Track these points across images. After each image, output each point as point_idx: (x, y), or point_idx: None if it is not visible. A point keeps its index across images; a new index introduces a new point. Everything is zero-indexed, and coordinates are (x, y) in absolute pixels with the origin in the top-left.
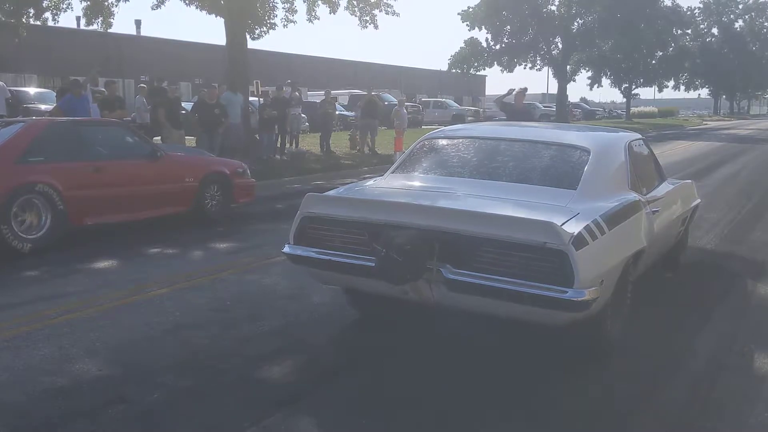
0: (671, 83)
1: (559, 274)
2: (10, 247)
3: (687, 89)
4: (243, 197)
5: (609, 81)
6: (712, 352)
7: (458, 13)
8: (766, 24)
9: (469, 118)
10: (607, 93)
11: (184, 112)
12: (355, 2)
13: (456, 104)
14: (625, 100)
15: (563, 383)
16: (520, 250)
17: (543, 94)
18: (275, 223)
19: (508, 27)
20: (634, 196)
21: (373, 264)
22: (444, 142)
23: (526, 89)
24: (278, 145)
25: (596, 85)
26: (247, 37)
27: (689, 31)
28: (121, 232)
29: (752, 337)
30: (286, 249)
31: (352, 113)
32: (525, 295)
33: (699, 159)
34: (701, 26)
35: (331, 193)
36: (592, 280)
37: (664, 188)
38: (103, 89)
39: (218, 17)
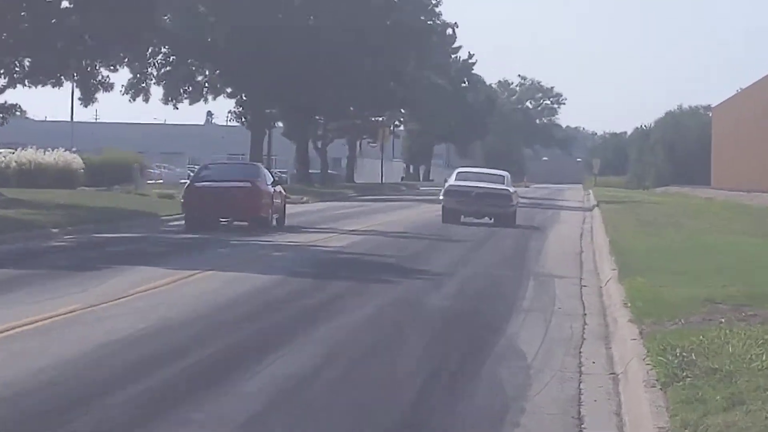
0: None
1: (509, 200)
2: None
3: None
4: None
5: None
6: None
7: None
8: None
9: None
10: None
11: None
12: None
13: None
14: None
15: None
16: (501, 194)
17: None
18: None
19: None
20: (514, 189)
21: (468, 199)
22: (464, 171)
23: None
24: None
25: None
26: None
27: None
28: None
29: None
30: (441, 197)
31: None
32: (502, 204)
33: None
34: None
35: (451, 183)
36: (514, 201)
37: (513, 188)
38: None
39: None
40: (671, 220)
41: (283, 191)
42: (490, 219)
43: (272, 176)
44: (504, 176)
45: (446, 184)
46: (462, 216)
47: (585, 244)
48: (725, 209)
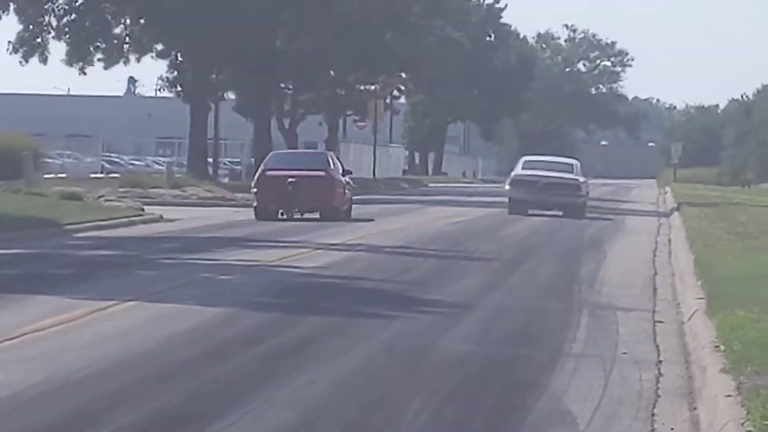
0: None
1: (578, 189)
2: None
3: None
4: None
5: None
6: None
7: None
8: None
9: None
10: None
11: None
12: None
13: None
14: None
15: None
16: (570, 184)
17: None
18: None
19: None
20: (584, 178)
21: (535, 189)
22: (530, 159)
23: None
24: None
25: None
26: None
27: None
28: None
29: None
30: (507, 187)
31: None
32: (572, 194)
33: None
34: None
35: (517, 172)
36: (584, 192)
37: (584, 178)
38: None
39: None
40: None
41: (351, 182)
42: (559, 210)
43: (342, 165)
44: (573, 165)
45: (512, 174)
46: (529, 208)
47: (660, 264)
48: None
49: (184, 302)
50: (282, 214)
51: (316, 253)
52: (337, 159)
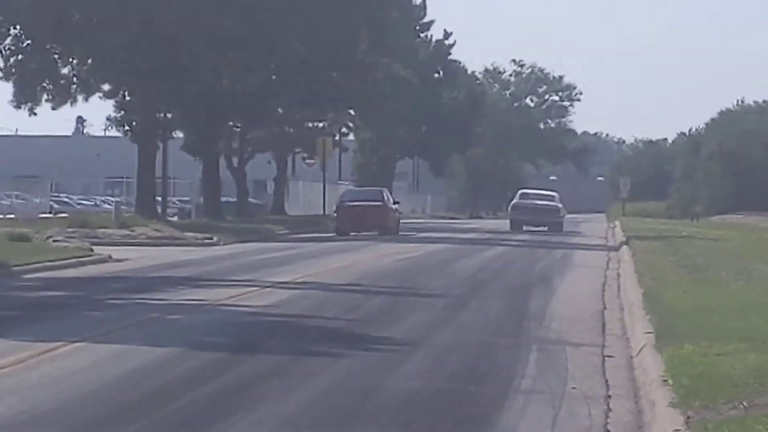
0: None
1: (558, 213)
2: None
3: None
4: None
5: None
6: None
7: None
8: None
9: None
10: None
11: None
12: None
13: None
14: None
15: None
16: (552, 209)
17: None
18: None
19: None
20: (561, 204)
21: (529, 212)
22: (524, 192)
23: None
24: None
25: None
26: None
27: None
28: None
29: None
30: (509, 211)
31: None
32: (554, 215)
33: None
34: None
35: (516, 201)
36: (562, 214)
37: (561, 204)
38: None
39: None
40: (734, 263)
41: (398, 208)
42: (545, 227)
43: (393, 198)
44: (554, 195)
45: (512, 202)
46: (524, 225)
47: (609, 298)
48: None
49: (132, 343)
50: (346, 229)
51: (265, 292)
52: (389, 193)
